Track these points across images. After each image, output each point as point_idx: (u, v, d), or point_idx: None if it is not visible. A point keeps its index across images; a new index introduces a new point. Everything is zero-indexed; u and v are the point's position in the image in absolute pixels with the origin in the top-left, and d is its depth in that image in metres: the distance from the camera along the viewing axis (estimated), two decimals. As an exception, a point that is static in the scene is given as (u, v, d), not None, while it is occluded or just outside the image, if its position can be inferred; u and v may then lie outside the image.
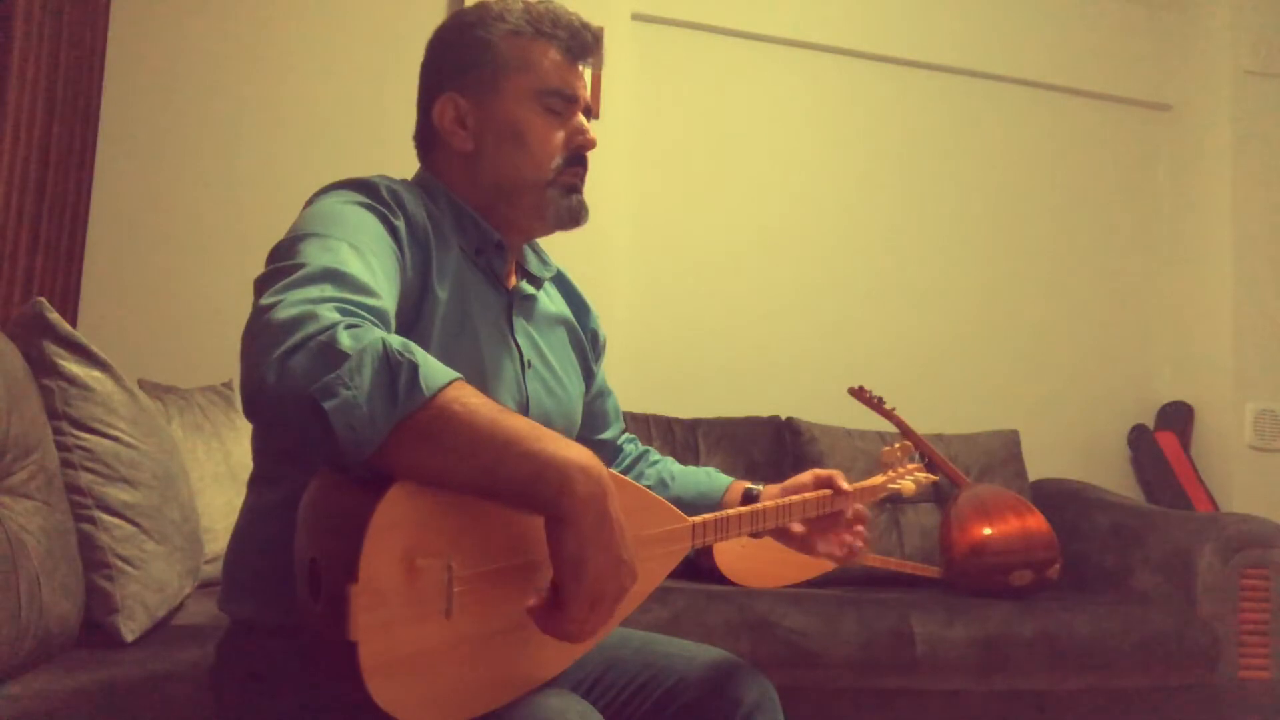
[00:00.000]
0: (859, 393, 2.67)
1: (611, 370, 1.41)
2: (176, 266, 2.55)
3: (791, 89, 3.12)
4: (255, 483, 1.05)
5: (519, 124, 1.11)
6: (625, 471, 1.34)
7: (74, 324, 2.33)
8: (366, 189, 1.02)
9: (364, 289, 0.86)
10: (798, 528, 1.21)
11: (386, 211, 1.01)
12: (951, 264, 3.22)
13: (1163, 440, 3.19)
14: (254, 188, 2.59)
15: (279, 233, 0.96)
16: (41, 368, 1.40)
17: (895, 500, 2.67)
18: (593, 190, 1.19)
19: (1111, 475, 3.23)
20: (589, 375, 1.29)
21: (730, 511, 1.10)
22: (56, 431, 1.39)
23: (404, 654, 0.77)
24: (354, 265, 0.88)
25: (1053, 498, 2.79)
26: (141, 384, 1.90)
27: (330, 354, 0.76)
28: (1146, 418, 3.32)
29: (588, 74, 1.28)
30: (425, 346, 0.97)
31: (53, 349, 1.41)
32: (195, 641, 1.42)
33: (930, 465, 2.57)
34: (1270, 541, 2.30)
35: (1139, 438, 3.25)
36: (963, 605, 2.19)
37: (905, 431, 2.64)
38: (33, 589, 1.20)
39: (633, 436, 1.40)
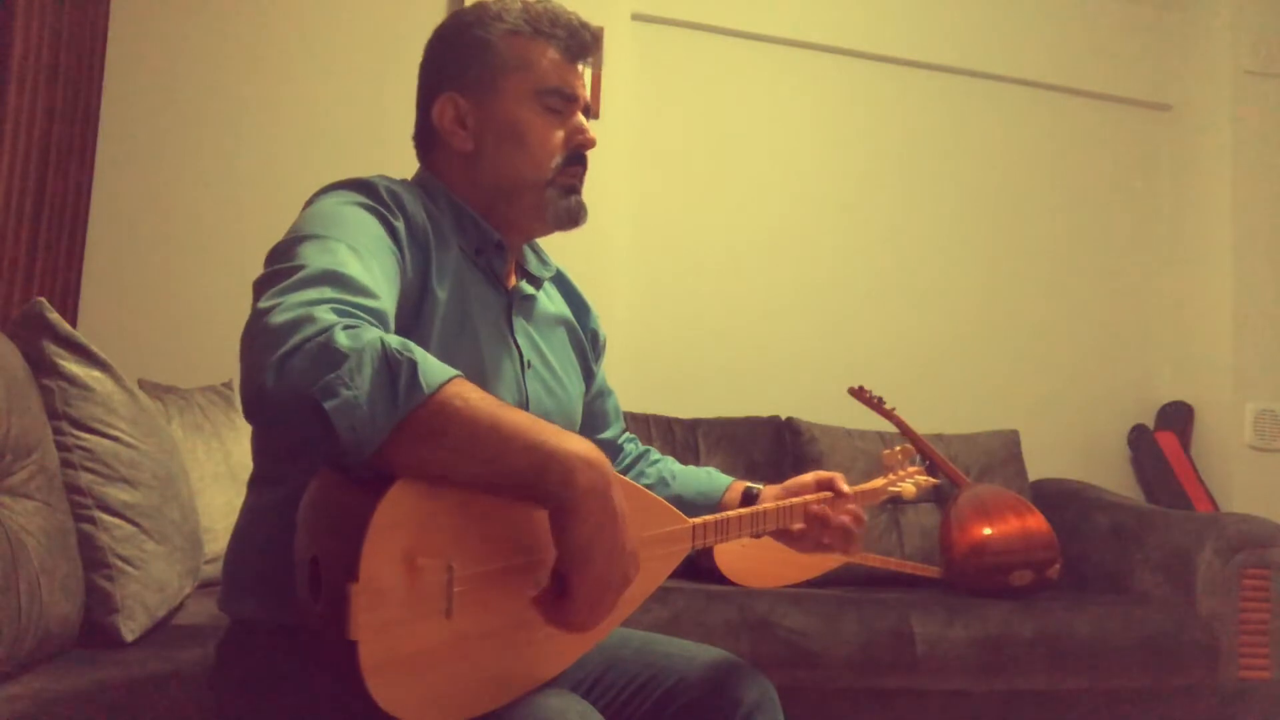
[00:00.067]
0: (859, 393, 2.67)
1: (611, 370, 1.41)
2: (176, 266, 2.55)
3: (791, 89, 3.12)
4: (255, 483, 1.05)
5: (518, 123, 1.11)
6: (625, 471, 1.34)
7: (74, 324, 2.32)
8: (366, 189, 1.02)
9: (363, 290, 0.86)
10: (798, 525, 1.21)
11: (386, 212, 1.01)
12: (951, 264, 3.22)
13: (1163, 440, 3.19)
14: (254, 188, 2.59)
15: (279, 233, 0.96)
16: (41, 368, 1.40)
17: (895, 501, 2.66)
18: (593, 190, 1.19)
19: (1111, 475, 3.23)
20: (589, 375, 1.30)
21: (730, 513, 1.10)
22: (56, 431, 1.39)
23: (404, 654, 0.77)
24: (353, 267, 0.88)
25: (1053, 498, 2.79)
26: (141, 384, 1.90)
27: (329, 355, 0.76)
28: (1146, 418, 3.32)
29: (587, 73, 1.28)
30: (425, 347, 0.97)
31: (53, 349, 1.41)
32: (195, 641, 1.42)
33: (930, 465, 2.57)
34: (1270, 541, 2.30)
35: (1139, 438, 3.25)
36: (963, 605, 2.19)
37: (905, 431, 2.64)
38: (33, 589, 1.20)
39: (633, 436, 1.40)
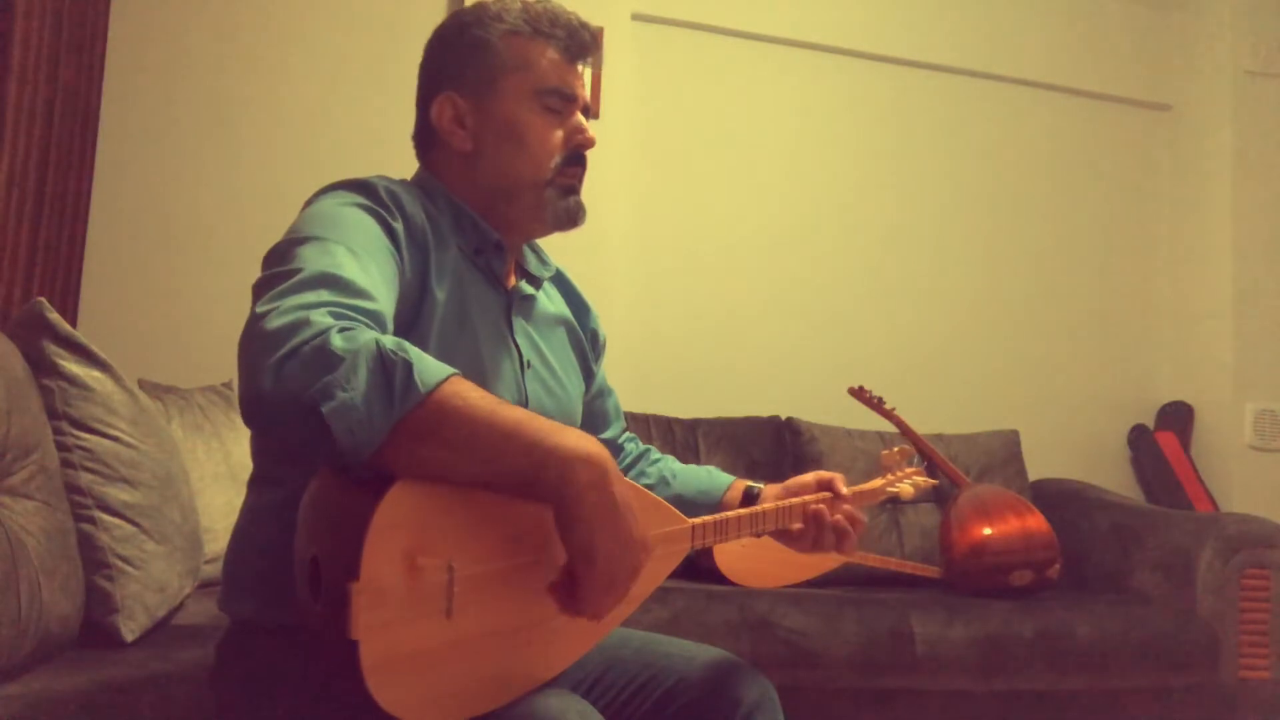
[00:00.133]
0: (859, 393, 2.67)
1: (611, 370, 1.41)
2: (176, 266, 2.55)
3: (791, 89, 3.12)
4: (255, 483, 1.05)
5: (518, 123, 1.11)
6: (626, 471, 1.34)
7: (74, 324, 2.32)
8: (365, 190, 1.02)
9: (360, 293, 0.86)
10: (796, 525, 1.21)
11: (384, 213, 1.00)
12: (951, 264, 3.22)
13: (1163, 440, 3.19)
14: (254, 188, 2.59)
15: (279, 233, 0.95)
16: (41, 368, 1.41)
17: (894, 501, 2.67)
18: (592, 190, 1.19)
19: (1111, 475, 3.23)
20: (589, 375, 1.30)
21: (729, 514, 1.10)
22: (56, 431, 1.39)
23: (404, 653, 0.77)
24: (350, 269, 0.88)
25: (1053, 498, 2.79)
26: (141, 384, 1.90)
27: (325, 358, 0.76)
28: (1146, 418, 3.32)
29: (587, 73, 1.28)
30: (424, 347, 0.97)
31: (53, 349, 1.41)
32: (195, 641, 1.42)
33: (930, 465, 2.57)
34: (1270, 541, 2.30)
35: (1139, 438, 3.25)
36: (963, 605, 2.19)
37: (905, 431, 2.64)
38: (33, 589, 1.20)
39: (634, 436, 1.40)
